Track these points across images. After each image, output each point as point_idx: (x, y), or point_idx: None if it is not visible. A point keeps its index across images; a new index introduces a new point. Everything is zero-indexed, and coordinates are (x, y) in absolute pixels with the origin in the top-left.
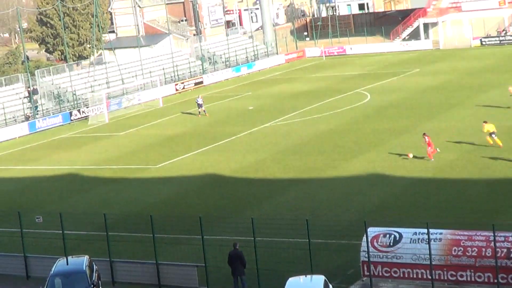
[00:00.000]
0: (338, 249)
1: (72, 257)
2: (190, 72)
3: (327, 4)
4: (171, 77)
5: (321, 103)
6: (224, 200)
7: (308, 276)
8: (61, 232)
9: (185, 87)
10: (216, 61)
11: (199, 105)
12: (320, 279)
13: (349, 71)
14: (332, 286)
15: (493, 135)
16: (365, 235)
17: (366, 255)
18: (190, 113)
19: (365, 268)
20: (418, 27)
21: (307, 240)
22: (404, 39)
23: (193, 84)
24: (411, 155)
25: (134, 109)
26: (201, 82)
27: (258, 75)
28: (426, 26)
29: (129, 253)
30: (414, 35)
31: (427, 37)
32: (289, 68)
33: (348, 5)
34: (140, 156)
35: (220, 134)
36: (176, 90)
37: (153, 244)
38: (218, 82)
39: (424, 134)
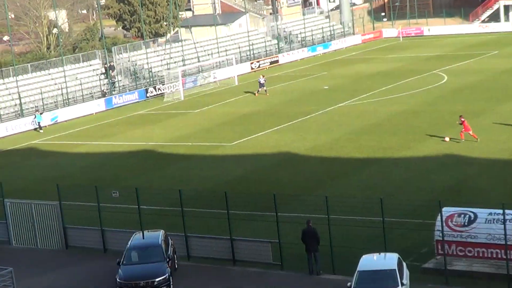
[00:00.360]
0: (412, 228)
1: (148, 231)
2: (266, 51)
3: None
4: (247, 55)
5: (397, 84)
6: (297, 178)
7: (382, 254)
8: (137, 206)
9: (260, 65)
10: (292, 41)
11: (261, 85)
12: (394, 256)
13: (426, 52)
14: (406, 264)
15: None
16: (439, 214)
17: (440, 234)
18: (252, 92)
19: (439, 247)
20: (498, 9)
21: (381, 218)
22: (483, 21)
23: (269, 63)
24: (447, 139)
25: (209, 87)
26: (277, 61)
27: (334, 55)
28: (506, 8)
29: (204, 229)
30: (494, 18)
31: (507, 19)
32: (366, 49)
33: None
34: (215, 133)
35: (295, 113)
36: (252, 68)
37: (227, 220)
38: (293, 62)
39: (460, 116)
